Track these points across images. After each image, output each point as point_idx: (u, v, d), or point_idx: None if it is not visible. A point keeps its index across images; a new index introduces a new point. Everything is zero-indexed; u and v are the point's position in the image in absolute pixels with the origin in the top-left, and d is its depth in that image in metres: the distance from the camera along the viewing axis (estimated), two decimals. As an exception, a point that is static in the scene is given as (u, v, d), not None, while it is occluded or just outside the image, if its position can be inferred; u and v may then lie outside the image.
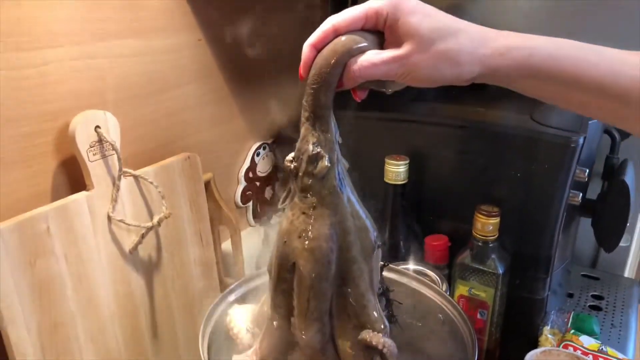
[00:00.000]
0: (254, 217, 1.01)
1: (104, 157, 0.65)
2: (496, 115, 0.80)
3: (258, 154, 0.99)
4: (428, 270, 0.74)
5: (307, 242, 0.49)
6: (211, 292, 0.83)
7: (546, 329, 0.80)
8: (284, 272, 0.51)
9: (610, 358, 0.74)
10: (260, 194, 1.02)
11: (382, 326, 0.50)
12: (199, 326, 0.78)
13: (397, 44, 0.46)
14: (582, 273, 1.03)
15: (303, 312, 0.50)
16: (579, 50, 0.46)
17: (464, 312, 0.63)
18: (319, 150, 0.49)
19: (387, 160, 0.79)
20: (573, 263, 1.03)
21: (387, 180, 0.79)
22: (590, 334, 0.79)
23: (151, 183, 0.70)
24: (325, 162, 0.49)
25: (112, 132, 0.65)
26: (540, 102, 0.81)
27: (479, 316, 0.77)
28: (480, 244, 0.75)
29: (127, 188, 0.69)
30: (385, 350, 0.49)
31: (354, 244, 0.50)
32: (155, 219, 0.69)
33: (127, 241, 0.69)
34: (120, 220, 0.67)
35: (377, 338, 0.49)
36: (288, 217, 0.51)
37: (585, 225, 0.93)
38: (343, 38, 0.47)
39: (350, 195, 0.51)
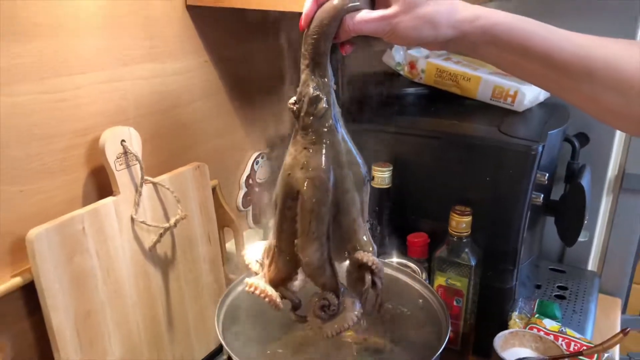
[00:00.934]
0: (254, 220, 1.12)
1: (128, 166, 0.75)
2: (468, 127, 0.91)
3: (257, 162, 1.09)
4: (410, 263, 0.85)
5: (308, 172, 0.57)
6: (217, 286, 0.93)
7: (514, 314, 0.91)
8: (289, 200, 0.59)
9: (568, 337, 0.85)
10: (260, 198, 1.12)
11: (371, 248, 0.60)
12: (208, 316, 0.89)
13: (386, 6, 0.54)
14: (550, 267, 1.15)
15: (305, 232, 0.58)
16: (534, 26, 0.54)
17: (440, 297, 0.74)
18: (318, 92, 0.57)
19: (373, 167, 0.90)
20: (542, 258, 1.15)
21: (373, 185, 0.90)
22: (553, 318, 0.90)
23: (167, 189, 0.80)
24: (324, 104, 0.57)
25: (135, 145, 0.76)
26: (506, 115, 0.93)
27: (455, 303, 0.87)
28: (455, 239, 0.85)
29: (147, 193, 0.78)
30: (374, 267, 0.58)
31: (347, 176, 0.59)
32: (172, 220, 0.79)
33: (147, 240, 0.79)
34: (142, 222, 0.77)
35: (368, 257, 0.59)
36: (291, 153, 0.60)
37: (552, 224, 1.04)
38: None
39: (344, 134, 0.60)
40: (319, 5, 0.55)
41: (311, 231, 0.58)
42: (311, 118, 0.57)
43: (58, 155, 0.70)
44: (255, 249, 0.69)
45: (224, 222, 0.96)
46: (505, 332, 0.84)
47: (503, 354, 0.80)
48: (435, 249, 0.88)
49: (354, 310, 0.60)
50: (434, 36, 0.54)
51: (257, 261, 0.68)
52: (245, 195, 1.08)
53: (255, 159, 1.08)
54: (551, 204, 0.99)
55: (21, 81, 0.64)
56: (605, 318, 1.04)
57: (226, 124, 1.00)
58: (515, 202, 0.85)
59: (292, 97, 0.60)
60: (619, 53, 0.53)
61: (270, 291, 0.62)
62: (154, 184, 0.79)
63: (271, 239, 0.64)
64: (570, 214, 0.96)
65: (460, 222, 0.84)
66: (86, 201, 0.74)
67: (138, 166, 0.76)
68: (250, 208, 1.10)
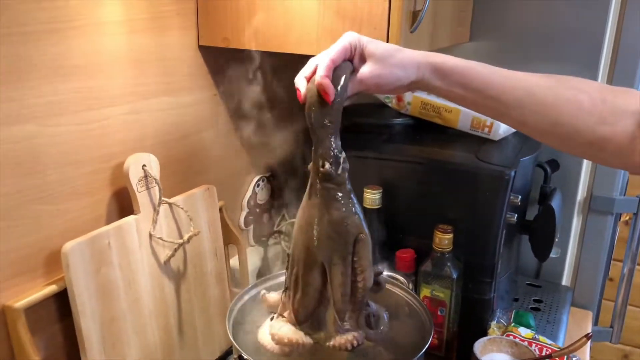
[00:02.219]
0: (254, 238, 1.21)
1: (148, 188, 0.85)
2: (449, 154, 1.02)
3: (258, 185, 1.19)
4: (398, 276, 0.94)
5: (332, 228, 0.67)
6: (222, 298, 1.02)
7: (493, 324, 1.00)
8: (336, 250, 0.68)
9: (541, 343, 0.95)
10: (260, 219, 1.22)
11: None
12: (214, 325, 0.97)
13: (365, 60, 0.66)
14: (527, 282, 1.25)
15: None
16: (473, 65, 0.66)
17: (424, 304, 0.84)
18: (344, 154, 0.67)
19: (365, 190, 1.00)
20: (519, 274, 1.25)
21: (365, 206, 1.00)
22: (528, 326, 1.00)
23: (182, 208, 0.89)
24: (347, 164, 0.67)
25: (154, 169, 0.85)
26: (483, 143, 1.04)
27: (439, 312, 0.96)
28: (438, 254, 0.95)
29: (163, 213, 0.88)
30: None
31: (353, 226, 0.68)
32: (186, 237, 0.88)
33: (162, 255, 0.88)
34: (159, 238, 0.86)
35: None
36: (310, 209, 0.68)
37: (528, 244, 1.15)
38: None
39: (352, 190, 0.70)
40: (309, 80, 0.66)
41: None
42: (334, 177, 0.67)
43: (86, 179, 0.80)
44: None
45: (228, 240, 1.06)
46: (484, 338, 0.93)
47: (482, 358, 0.89)
48: (421, 264, 0.98)
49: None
50: (405, 76, 0.66)
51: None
52: (247, 215, 1.17)
53: (257, 182, 1.18)
54: (525, 223, 1.09)
55: (60, 114, 0.74)
56: (577, 328, 1.14)
57: (231, 150, 1.10)
58: (492, 221, 0.95)
59: (316, 162, 0.68)
60: (539, 84, 0.65)
61: (300, 338, 0.71)
62: (170, 204, 0.88)
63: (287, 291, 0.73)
64: (543, 232, 1.06)
65: (443, 239, 0.94)
66: (109, 220, 0.84)
67: (157, 188, 0.85)
68: (251, 227, 1.19)
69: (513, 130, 1.08)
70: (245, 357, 0.70)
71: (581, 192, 1.20)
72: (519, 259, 1.19)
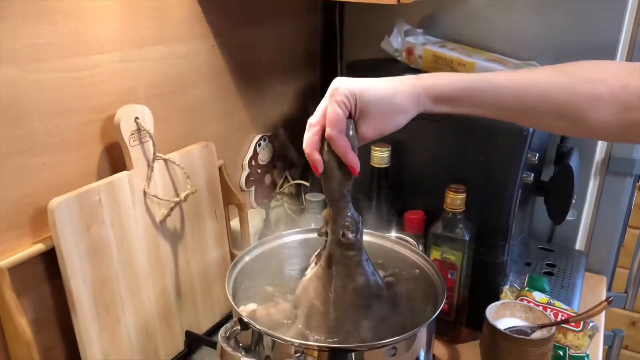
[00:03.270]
0: (256, 200, 1.16)
1: (141, 143, 0.79)
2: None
3: (259, 145, 1.13)
4: (407, 237, 0.89)
5: (357, 294, 0.69)
6: (223, 261, 0.97)
7: (506, 288, 0.95)
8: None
9: (556, 308, 0.90)
10: (261, 180, 1.17)
11: None
12: (214, 289, 0.93)
13: (364, 116, 0.63)
14: (540, 246, 1.20)
15: None
16: (477, 81, 0.63)
17: (436, 266, 0.79)
18: (360, 219, 0.69)
19: (372, 148, 0.94)
20: (532, 238, 1.20)
21: (373, 164, 0.94)
22: (542, 291, 0.95)
23: (177, 165, 0.84)
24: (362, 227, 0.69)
25: (148, 122, 0.79)
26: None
27: (449, 276, 0.92)
28: (450, 215, 0.90)
29: (158, 169, 0.82)
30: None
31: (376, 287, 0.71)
32: (183, 195, 0.83)
33: (158, 213, 0.83)
34: (154, 196, 0.81)
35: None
36: (330, 278, 0.70)
37: (542, 205, 1.09)
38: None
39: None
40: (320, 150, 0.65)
41: None
42: (352, 243, 0.68)
43: (75, 130, 0.74)
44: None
45: (229, 201, 1.00)
46: (497, 302, 0.89)
47: (494, 322, 0.85)
48: (430, 225, 0.93)
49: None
50: (408, 117, 0.65)
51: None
52: (248, 176, 1.12)
53: (258, 141, 1.12)
54: (541, 184, 1.04)
55: (43, 59, 0.68)
56: (591, 294, 1.09)
57: (231, 106, 1.04)
58: (508, 181, 0.90)
59: (324, 229, 0.73)
60: (551, 84, 0.62)
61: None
62: (165, 160, 0.83)
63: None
64: (559, 193, 1.00)
65: (455, 199, 0.88)
66: (100, 175, 0.78)
67: (150, 143, 0.80)
68: (252, 188, 1.14)
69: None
70: (245, 320, 0.65)
71: (599, 153, 1.14)
72: (532, 222, 1.14)
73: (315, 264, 0.73)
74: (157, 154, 0.81)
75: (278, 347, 0.64)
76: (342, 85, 0.62)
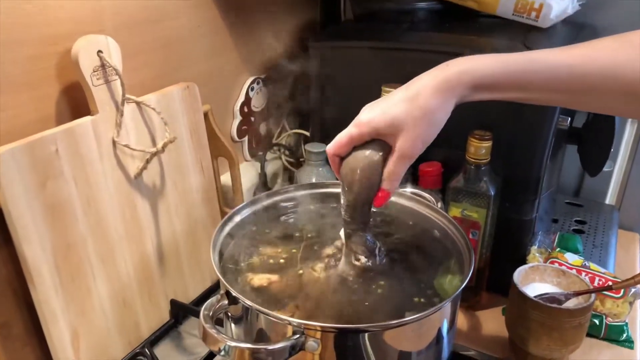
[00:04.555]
0: (249, 151, 1.03)
1: (107, 82, 0.66)
2: (489, 42, 0.82)
3: (252, 89, 1.00)
4: (423, 192, 0.77)
5: None
6: (212, 220, 0.86)
7: (534, 249, 0.84)
8: None
9: (592, 271, 0.79)
10: (256, 129, 1.04)
11: None
12: (202, 251, 0.82)
13: (395, 135, 0.55)
14: (567, 201, 1.08)
15: None
16: (523, 64, 0.54)
17: (459, 225, 0.67)
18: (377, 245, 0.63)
19: (383, 88, 0.80)
20: (558, 192, 1.08)
21: (383, 108, 0.81)
22: (575, 252, 0.84)
23: (153, 109, 0.71)
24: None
25: (114, 57, 0.66)
26: (529, 31, 0.84)
27: (470, 236, 0.80)
28: (473, 167, 0.77)
29: (130, 114, 0.70)
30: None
31: None
32: (160, 144, 0.70)
33: (132, 167, 0.71)
34: (125, 145, 0.68)
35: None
36: None
37: (569, 156, 0.97)
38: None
39: None
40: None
41: None
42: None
43: (24, 66, 0.61)
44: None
45: (217, 152, 0.88)
46: (526, 266, 0.78)
47: (523, 289, 0.74)
48: (449, 179, 0.81)
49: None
50: (442, 122, 0.56)
51: None
52: (240, 124, 0.99)
53: (250, 84, 0.99)
54: (574, 130, 0.91)
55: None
56: (624, 253, 0.98)
57: (218, 44, 0.90)
58: (541, 126, 0.77)
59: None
60: (614, 59, 0.51)
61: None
62: (138, 103, 0.70)
63: None
64: (596, 141, 0.88)
65: (480, 148, 0.76)
66: (60, 122, 0.65)
67: (118, 82, 0.66)
68: (245, 139, 1.01)
69: (567, 13, 0.87)
70: (233, 294, 0.54)
71: (638, 96, 1.00)
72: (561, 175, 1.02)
73: (327, 263, 0.65)
74: (127, 95, 0.67)
75: (272, 327, 0.53)
76: (363, 118, 0.57)
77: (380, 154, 0.57)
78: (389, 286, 0.61)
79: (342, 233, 0.63)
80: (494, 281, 0.86)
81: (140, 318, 0.75)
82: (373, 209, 0.60)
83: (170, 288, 0.80)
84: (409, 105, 0.54)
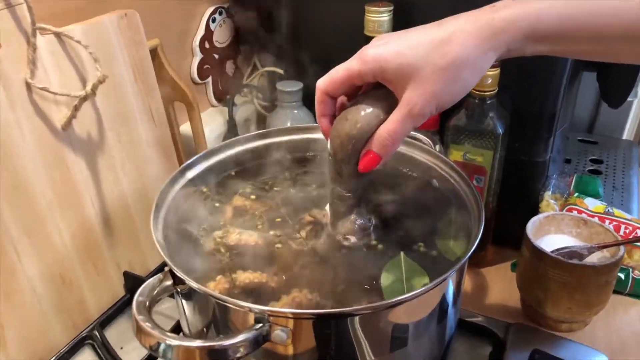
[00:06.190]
0: (215, 95, 0.89)
1: (9, 6, 0.51)
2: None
3: (214, 20, 0.84)
4: (418, 134, 0.64)
5: None
6: (171, 177, 0.73)
7: (547, 195, 0.72)
8: None
9: (617, 218, 0.68)
10: (221, 68, 0.89)
11: None
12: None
13: (400, 85, 0.42)
14: (579, 138, 0.96)
15: None
16: (589, 5, 0.39)
17: (464, 174, 0.55)
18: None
19: (367, 9, 0.66)
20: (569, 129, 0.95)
21: (367, 34, 0.67)
22: (595, 196, 0.72)
23: (78, 42, 0.56)
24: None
25: (15, -28, 0.51)
26: None
27: (475, 183, 0.68)
28: (477, 101, 0.64)
29: (48, 49, 0.55)
30: None
31: None
32: (89, 86, 0.56)
33: (57, 115, 0.57)
34: (43, 89, 0.54)
35: None
36: None
37: (582, 87, 0.84)
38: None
39: None
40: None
41: None
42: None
43: None
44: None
45: (172, 96, 0.74)
46: (540, 216, 0.66)
47: (537, 243, 0.62)
48: (448, 117, 0.68)
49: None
50: (473, 82, 0.43)
51: None
52: (202, 63, 0.84)
53: (211, 15, 0.84)
54: (593, 55, 0.77)
55: None
56: (646, 194, 0.87)
57: (165, -38, 0.75)
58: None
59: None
60: None
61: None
62: (58, 35, 0.55)
63: None
64: (620, 67, 0.74)
65: (485, 77, 0.63)
66: (-45, 61, 0.51)
67: (24, 6, 0.52)
68: (209, 80, 0.87)
69: None
70: (178, 275, 0.41)
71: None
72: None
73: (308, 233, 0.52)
74: (41, 25, 0.53)
75: (229, 315, 0.41)
76: (370, 52, 0.43)
77: (386, 113, 0.44)
78: (381, 253, 0.49)
79: (328, 208, 0.50)
80: (501, 233, 0.74)
81: (86, 295, 0.63)
82: None
83: (123, 258, 0.67)
84: (434, 50, 0.41)
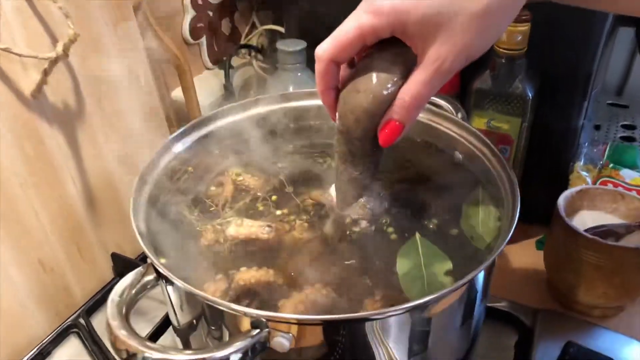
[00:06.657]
0: (209, 57, 0.81)
1: (-42, -49, 0.44)
2: None
3: (207, -27, 0.76)
4: (436, 99, 0.57)
5: None
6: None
7: (578, 165, 0.65)
8: None
9: (659, 193, 0.61)
10: (216, 27, 0.81)
11: None
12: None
13: (423, 40, 0.35)
14: (608, 102, 0.88)
15: None
16: None
17: (491, 143, 0.48)
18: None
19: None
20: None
21: None
22: (632, 167, 0.65)
23: (46, -4, 0.49)
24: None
25: None
26: None
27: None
28: (504, 61, 0.57)
29: (13, 5, 0.48)
30: None
31: None
32: (59, 46, 0.49)
33: (25, 81, 0.50)
34: (6, 49, 0.47)
35: None
36: None
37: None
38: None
39: None
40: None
41: None
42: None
43: None
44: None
45: (162, 58, 0.67)
46: (572, 190, 0.59)
47: (569, 221, 0.55)
48: (471, 79, 0.60)
49: None
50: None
51: None
52: (195, 21, 0.76)
53: (204, -34, 0.75)
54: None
55: None
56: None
57: None
58: None
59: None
60: None
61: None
62: (21, -13, 0.48)
63: None
64: (662, 20, 0.66)
65: (514, 33, 0.55)
66: None
67: (-21, -49, 0.44)
68: (204, 40, 0.79)
69: None
70: (161, 271, 0.35)
71: None
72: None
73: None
74: (-1, -26, 0.45)
75: (223, 319, 0.35)
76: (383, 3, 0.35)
77: (403, 76, 0.36)
78: (397, 239, 0.43)
79: (332, 190, 0.43)
80: (525, 208, 0.67)
81: (70, 281, 0.57)
82: None
83: (111, 239, 0.62)
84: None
